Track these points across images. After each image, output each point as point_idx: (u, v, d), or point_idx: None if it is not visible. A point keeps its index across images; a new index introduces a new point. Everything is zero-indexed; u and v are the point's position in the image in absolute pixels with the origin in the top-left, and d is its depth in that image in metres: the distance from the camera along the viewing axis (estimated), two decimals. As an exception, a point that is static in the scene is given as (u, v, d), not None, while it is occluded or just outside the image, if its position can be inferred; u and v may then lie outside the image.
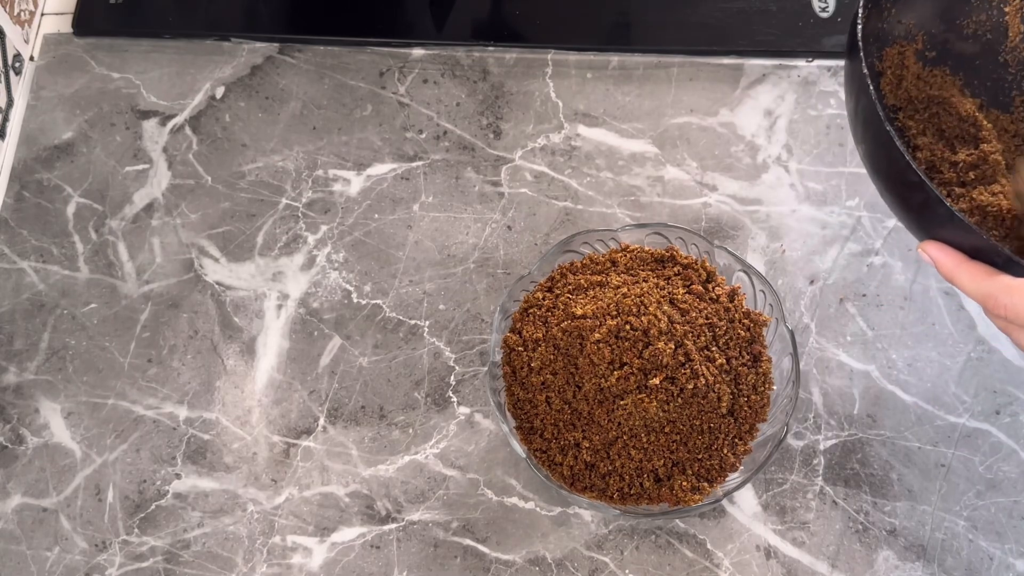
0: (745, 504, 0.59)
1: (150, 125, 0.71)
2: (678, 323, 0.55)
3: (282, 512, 0.60)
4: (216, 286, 0.66)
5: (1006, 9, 0.58)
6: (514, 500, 0.59)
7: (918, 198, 0.47)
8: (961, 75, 0.59)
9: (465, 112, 0.71)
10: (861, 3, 0.51)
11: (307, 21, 0.75)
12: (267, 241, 0.67)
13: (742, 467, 0.56)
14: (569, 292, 0.59)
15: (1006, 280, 0.44)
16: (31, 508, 0.60)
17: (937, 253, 0.47)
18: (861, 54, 0.48)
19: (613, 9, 0.74)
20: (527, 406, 0.57)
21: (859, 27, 0.49)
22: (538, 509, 0.59)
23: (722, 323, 0.57)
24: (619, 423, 0.55)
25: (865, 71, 0.47)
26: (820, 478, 0.60)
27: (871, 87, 0.47)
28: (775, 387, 0.58)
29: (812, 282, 0.65)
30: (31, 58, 0.74)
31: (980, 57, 0.59)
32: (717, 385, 0.56)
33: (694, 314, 0.56)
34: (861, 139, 0.51)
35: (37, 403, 0.63)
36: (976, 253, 0.46)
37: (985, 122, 0.57)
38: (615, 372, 0.54)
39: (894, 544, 0.58)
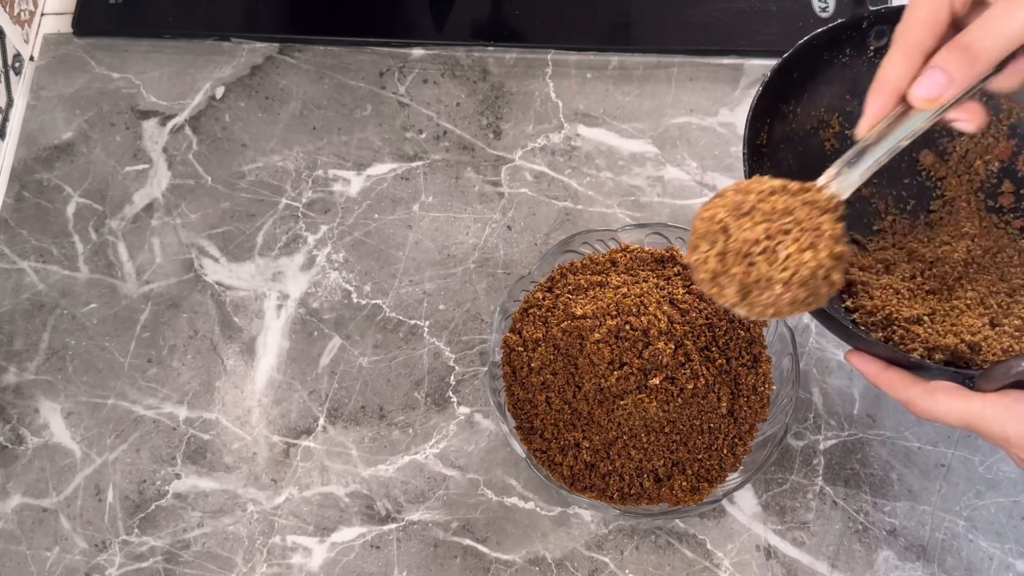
0: (745, 504, 0.59)
1: (150, 125, 0.71)
2: (678, 323, 0.55)
3: (282, 512, 0.60)
4: (216, 286, 0.66)
5: None
6: (514, 500, 0.59)
7: (831, 324, 0.50)
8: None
9: (465, 112, 0.71)
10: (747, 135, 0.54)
11: (307, 21, 0.75)
12: (267, 241, 0.67)
13: (742, 467, 0.56)
14: (569, 292, 0.59)
15: (919, 388, 0.47)
16: (31, 508, 0.60)
17: (859, 363, 0.50)
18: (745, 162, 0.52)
19: (613, 9, 0.74)
20: (527, 406, 0.57)
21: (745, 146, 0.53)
22: (538, 509, 0.59)
23: (722, 323, 0.57)
24: (619, 423, 0.55)
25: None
26: (820, 478, 0.60)
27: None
28: (775, 387, 0.58)
29: (812, 282, 0.65)
30: (31, 58, 0.74)
31: None
32: (717, 385, 0.56)
33: (694, 314, 0.56)
34: None
35: (37, 403, 0.63)
36: (891, 361, 0.49)
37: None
38: (615, 372, 0.54)
39: (894, 544, 0.58)
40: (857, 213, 0.60)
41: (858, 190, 0.56)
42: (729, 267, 0.44)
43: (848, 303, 0.55)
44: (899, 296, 0.55)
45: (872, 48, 0.57)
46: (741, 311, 0.45)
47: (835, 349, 0.63)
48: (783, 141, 0.58)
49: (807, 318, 0.63)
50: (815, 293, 0.44)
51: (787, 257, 0.43)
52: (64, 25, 0.75)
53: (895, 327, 0.53)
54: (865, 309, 0.54)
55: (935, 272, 0.56)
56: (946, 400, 0.46)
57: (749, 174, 0.52)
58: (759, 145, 0.56)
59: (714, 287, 0.45)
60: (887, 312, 0.53)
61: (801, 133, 0.58)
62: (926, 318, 0.53)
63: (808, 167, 0.58)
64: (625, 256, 0.61)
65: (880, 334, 0.53)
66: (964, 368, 0.50)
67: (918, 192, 0.60)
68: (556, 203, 0.68)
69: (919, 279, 0.56)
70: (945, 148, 0.60)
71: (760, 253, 0.43)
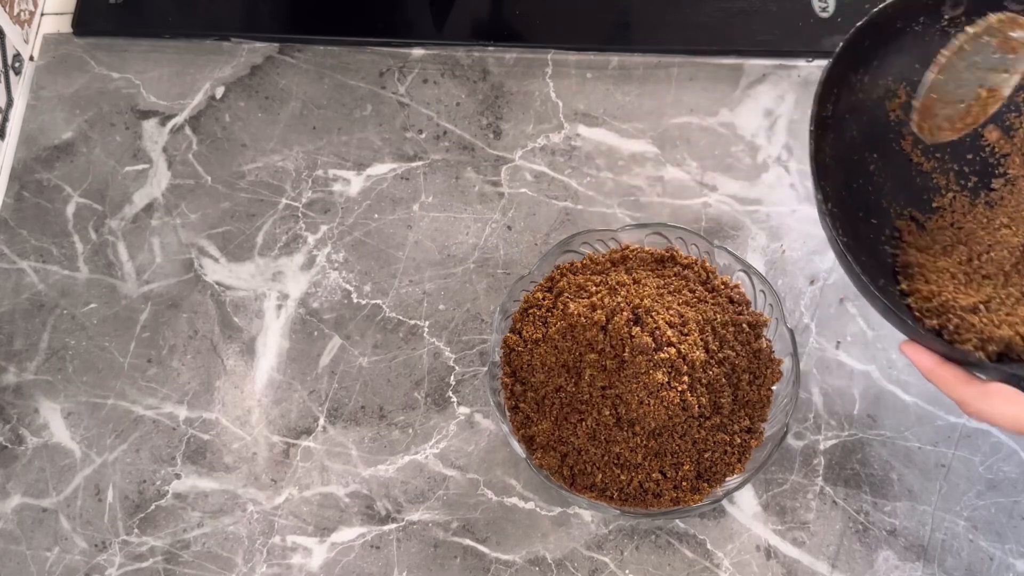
0: (745, 504, 0.59)
1: (150, 125, 0.71)
2: (678, 323, 0.55)
3: (282, 512, 0.60)
4: (216, 286, 0.66)
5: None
6: (514, 500, 0.59)
7: (890, 317, 0.50)
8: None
9: (465, 112, 0.71)
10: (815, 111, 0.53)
11: (307, 21, 0.75)
12: (267, 241, 0.67)
13: (742, 467, 0.56)
14: (569, 292, 0.59)
15: (975, 389, 0.47)
16: (31, 508, 0.60)
17: (914, 355, 0.50)
18: (818, 176, 0.52)
19: (613, 9, 0.74)
20: (527, 406, 0.57)
21: (814, 162, 0.52)
22: (538, 509, 0.59)
23: (722, 323, 0.57)
24: (619, 423, 0.55)
25: (819, 192, 0.51)
26: (820, 478, 0.60)
27: (828, 215, 0.51)
28: (775, 387, 0.58)
29: (812, 282, 0.65)
30: (31, 58, 0.74)
31: None
32: (717, 385, 0.56)
33: (694, 314, 0.56)
34: (833, 252, 0.53)
35: (37, 403, 0.63)
36: (947, 358, 0.49)
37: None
38: (615, 373, 0.54)
39: (894, 544, 0.58)
40: (917, 188, 0.59)
41: (919, 163, 0.56)
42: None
43: (904, 285, 0.55)
44: (955, 281, 0.54)
45: (947, 17, 0.56)
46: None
47: (835, 349, 0.63)
48: (849, 111, 0.57)
49: (807, 318, 0.64)
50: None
51: None
52: (64, 25, 0.75)
53: (950, 315, 0.52)
54: (921, 294, 0.54)
55: (992, 256, 0.55)
56: (1001, 404, 0.46)
57: (815, 151, 0.52)
58: (824, 117, 0.55)
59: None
60: (943, 299, 0.53)
61: (868, 103, 0.57)
62: (982, 307, 0.52)
63: (873, 138, 0.58)
64: (625, 256, 0.61)
65: (935, 321, 0.52)
66: (1018, 360, 0.50)
67: (980, 169, 0.59)
68: (556, 203, 0.68)
69: (976, 263, 0.55)
70: (1012, 124, 0.59)
71: None
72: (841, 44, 0.54)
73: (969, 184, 0.59)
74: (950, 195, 0.59)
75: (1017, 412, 0.46)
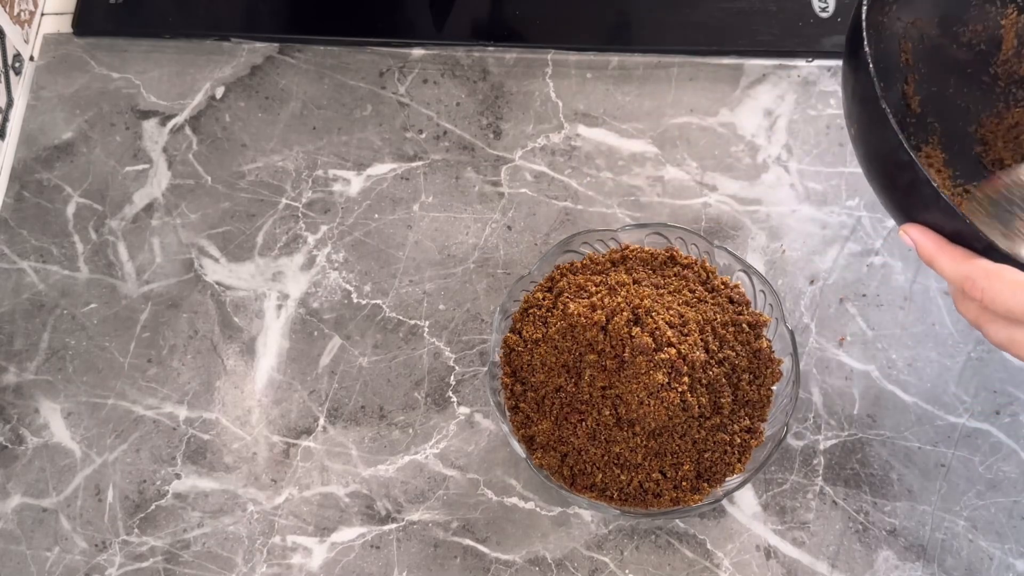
0: (745, 504, 0.59)
1: (150, 125, 0.71)
2: (678, 323, 0.55)
3: (282, 512, 0.60)
4: (216, 286, 0.66)
5: (1003, 22, 0.58)
6: (514, 500, 0.59)
7: (906, 178, 0.47)
8: (952, 81, 0.59)
9: (465, 112, 0.71)
10: None
11: (307, 21, 0.75)
12: (267, 241, 0.67)
13: (742, 467, 0.56)
14: (569, 292, 0.59)
15: (985, 264, 0.44)
16: (31, 508, 0.60)
17: (918, 235, 0.47)
18: (863, 30, 0.48)
19: (613, 9, 0.74)
20: (527, 406, 0.57)
21: (864, 6, 0.49)
22: (538, 509, 0.59)
23: (722, 323, 0.57)
24: (619, 423, 0.55)
25: (867, 47, 0.47)
26: (820, 478, 0.60)
27: (870, 65, 0.47)
28: (775, 387, 0.58)
29: (812, 282, 0.65)
30: (31, 58, 0.74)
31: (972, 66, 0.59)
32: (718, 385, 0.56)
33: (694, 314, 0.56)
34: (856, 119, 0.51)
35: (37, 403, 0.63)
36: (956, 237, 0.46)
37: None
38: (615, 373, 0.54)
39: (894, 544, 0.58)
40: (907, 132, 0.58)
41: (914, 109, 0.56)
42: None
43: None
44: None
45: None
46: None
47: (835, 349, 0.63)
48: (872, 28, 0.54)
49: (807, 318, 0.64)
50: None
51: None
52: (64, 25, 0.75)
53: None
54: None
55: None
56: (1013, 281, 0.42)
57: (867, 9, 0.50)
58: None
59: None
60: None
61: (887, 32, 0.56)
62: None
63: (883, 66, 0.56)
64: (625, 256, 0.61)
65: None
66: None
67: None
68: (556, 203, 0.68)
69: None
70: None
71: None
72: None
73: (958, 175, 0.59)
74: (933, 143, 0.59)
75: None
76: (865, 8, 0.50)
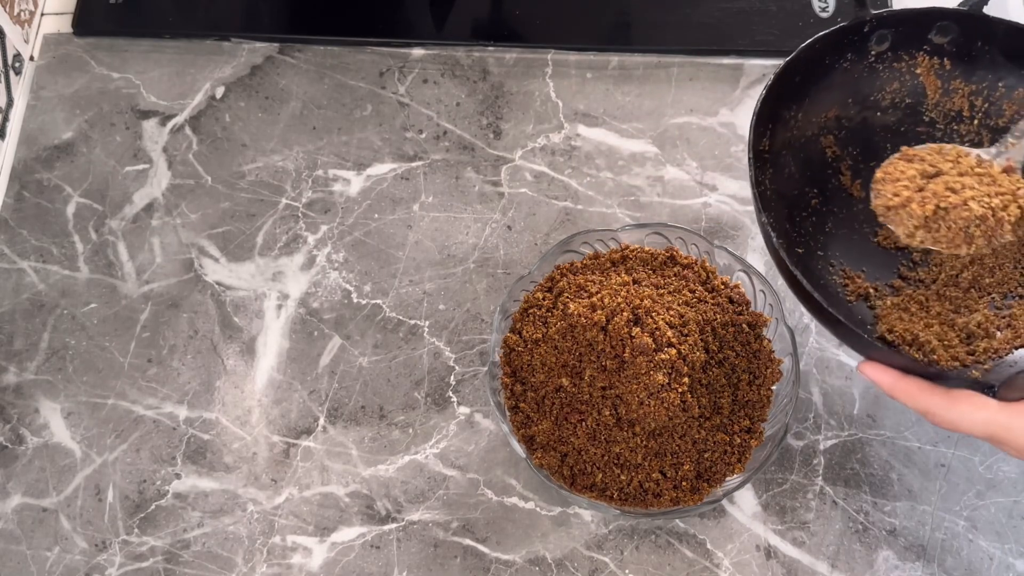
0: (745, 504, 0.59)
1: (150, 125, 0.71)
2: (678, 323, 0.55)
3: (282, 512, 0.60)
4: (216, 286, 0.66)
5: (918, 71, 0.57)
6: (514, 500, 0.59)
7: (840, 332, 0.49)
8: (888, 148, 0.58)
9: (465, 112, 0.71)
10: (751, 143, 0.52)
11: (307, 21, 0.75)
12: (267, 241, 0.67)
13: (742, 467, 0.56)
14: (569, 292, 0.59)
15: (938, 399, 0.46)
16: (31, 508, 0.60)
17: (874, 374, 0.49)
18: (759, 205, 0.51)
19: (613, 9, 0.74)
20: (527, 406, 0.57)
21: (755, 189, 0.51)
22: (538, 509, 0.59)
23: (722, 323, 0.57)
24: (619, 423, 0.55)
25: (768, 225, 0.50)
26: (820, 478, 0.60)
27: (773, 237, 0.49)
28: (775, 387, 0.58)
29: (812, 282, 0.65)
30: (31, 58, 0.74)
31: (904, 123, 0.58)
32: (718, 385, 0.56)
33: (694, 314, 0.56)
34: (780, 275, 0.52)
35: (37, 403, 0.63)
36: (908, 370, 0.48)
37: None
38: (615, 373, 0.54)
39: (894, 544, 0.58)
40: (860, 222, 0.58)
41: (860, 198, 0.57)
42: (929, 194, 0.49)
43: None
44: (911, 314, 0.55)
45: (873, 53, 0.57)
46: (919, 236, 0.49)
47: (835, 349, 0.63)
48: (785, 147, 0.57)
49: (807, 318, 0.64)
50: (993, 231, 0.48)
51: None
52: (64, 25, 0.75)
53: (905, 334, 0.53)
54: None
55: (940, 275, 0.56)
56: (969, 410, 0.45)
57: (755, 179, 0.51)
58: (762, 151, 0.55)
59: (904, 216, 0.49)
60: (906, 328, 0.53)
61: (802, 139, 0.58)
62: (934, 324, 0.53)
63: (810, 173, 0.58)
64: (625, 256, 0.61)
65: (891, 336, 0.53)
66: (976, 363, 0.50)
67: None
68: (556, 203, 0.68)
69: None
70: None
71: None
72: (769, 79, 0.54)
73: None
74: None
75: (987, 417, 0.45)
76: (753, 173, 0.51)
